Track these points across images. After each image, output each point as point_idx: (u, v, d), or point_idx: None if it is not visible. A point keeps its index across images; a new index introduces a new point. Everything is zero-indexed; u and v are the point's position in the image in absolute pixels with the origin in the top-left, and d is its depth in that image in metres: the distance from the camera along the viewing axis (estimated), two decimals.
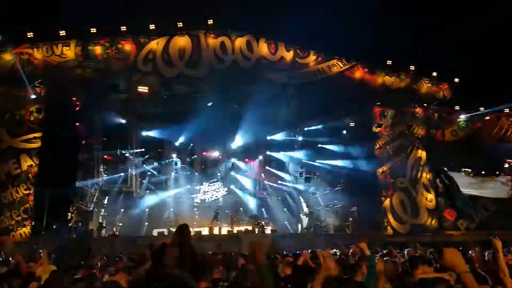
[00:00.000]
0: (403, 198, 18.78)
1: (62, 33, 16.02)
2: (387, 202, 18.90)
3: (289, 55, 18.82)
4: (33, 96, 16.51)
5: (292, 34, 18.35)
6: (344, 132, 20.80)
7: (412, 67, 19.84)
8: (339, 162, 21.02)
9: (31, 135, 16.44)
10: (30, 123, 16.49)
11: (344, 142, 20.67)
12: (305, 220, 23.10)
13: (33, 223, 15.98)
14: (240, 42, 18.58)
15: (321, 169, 22.74)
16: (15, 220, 15.84)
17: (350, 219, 19.68)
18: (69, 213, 17.08)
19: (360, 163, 19.56)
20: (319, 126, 21.16)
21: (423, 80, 20.40)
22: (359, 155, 19.58)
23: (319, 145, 21.78)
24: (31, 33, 15.86)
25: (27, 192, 16.05)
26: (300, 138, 22.73)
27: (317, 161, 22.37)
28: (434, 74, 20.35)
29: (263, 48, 18.72)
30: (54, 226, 16.08)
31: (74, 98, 17.55)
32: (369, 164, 19.46)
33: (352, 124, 20.35)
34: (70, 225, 16.91)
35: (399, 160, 19.16)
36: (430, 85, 20.51)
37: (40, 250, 5.06)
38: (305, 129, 22.05)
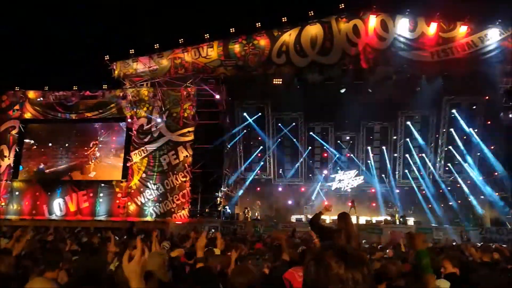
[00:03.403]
0: None
1: (207, 36, 17.73)
2: None
3: (430, 30, 17.11)
4: (185, 95, 18.81)
5: (434, 5, 16.56)
6: (503, 112, 17.88)
7: None
8: (495, 147, 18.25)
9: (185, 130, 18.88)
10: (184, 119, 18.88)
11: (502, 123, 17.77)
12: (454, 212, 20.83)
13: (190, 206, 18.32)
14: (374, 22, 17.68)
15: (469, 156, 20.12)
16: (176, 203, 18.45)
17: (511, 211, 17.02)
18: (218, 198, 19.01)
19: None
20: (470, 107, 18.67)
21: None
22: None
23: (469, 128, 19.22)
24: (182, 39, 17.99)
25: (184, 179, 18.50)
26: (447, 121, 20.40)
27: (466, 146, 19.84)
28: None
29: (400, 26, 17.45)
30: (207, 210, 18.10)
31: (219, 95, 19.26)
32: None
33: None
34: (219, 209, 18.81)
35: None
36: None
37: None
38: (452, 110, 19.75)
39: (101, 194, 19.35)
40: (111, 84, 19.91)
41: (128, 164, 19.09)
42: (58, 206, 19.31)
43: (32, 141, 20.45)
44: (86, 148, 19.94)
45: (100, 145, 19.92)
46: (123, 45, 19.90)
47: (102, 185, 19.50)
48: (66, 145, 20.09)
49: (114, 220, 17.89)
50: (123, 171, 19.22)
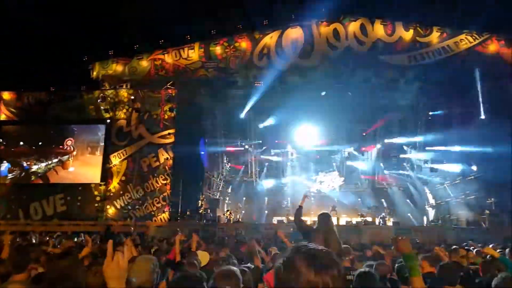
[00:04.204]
0: None
1: (188, 37, 17.65)
2: None
3: (408, 35, 17.57)
4: (166, 97, 18.61)
5: (411, 11, 16.99)
6: (478, 114, 18.41)
7: None
8: (472, 148, 18.77)
9: (166, 132, 18.64)
10: (165, 121, 18.68)
11: (478, 125, 18.29)
12: (431, 213, 21.33)
13: (170, 209, 18.10)
14: (353, 26, 18.02)
15: (449, 157, 20.64)
16: (156, 206, 18.20)
17: (487, 212, 17.46)
18: (199, 201, 18.84)
19: (498, 148, 17.07)
20: (447, 110, 19.14)
21: None
22: (498, 139, 17.08)
23: (447, 130, 19.71)
24: (162, 40, 17.83)
25: (165, 182, 18.27)
26: (424, 123, 20.90)
27: (445, 147, 20.35)
28: None
29: (379, 30, 17.84)
30: (188, 213, 17.92)
31: (199, 97, 19.16)
32: (510, 150, 16.88)
33: (486, 105, 17.94)
34: (200, 211, 18.64)
35: None
36: None
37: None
38: (430, 113, 20.22)
39: (79, 197, 18.90)
40: (89, 85, 19.52)
41: (107, 167, 18.74)
42: (34, 210, 18.75)
43: (0, 140, 19.71)
44: (61, 147, 19.38)
45: (76, 146, 19.38)
46: (102, 45, 19.50)
47: (80, 188, 19.05)
48: (40, 143, 19.45)
49: (92, 223, 17.50)
50: (102, 174, 18.81)
